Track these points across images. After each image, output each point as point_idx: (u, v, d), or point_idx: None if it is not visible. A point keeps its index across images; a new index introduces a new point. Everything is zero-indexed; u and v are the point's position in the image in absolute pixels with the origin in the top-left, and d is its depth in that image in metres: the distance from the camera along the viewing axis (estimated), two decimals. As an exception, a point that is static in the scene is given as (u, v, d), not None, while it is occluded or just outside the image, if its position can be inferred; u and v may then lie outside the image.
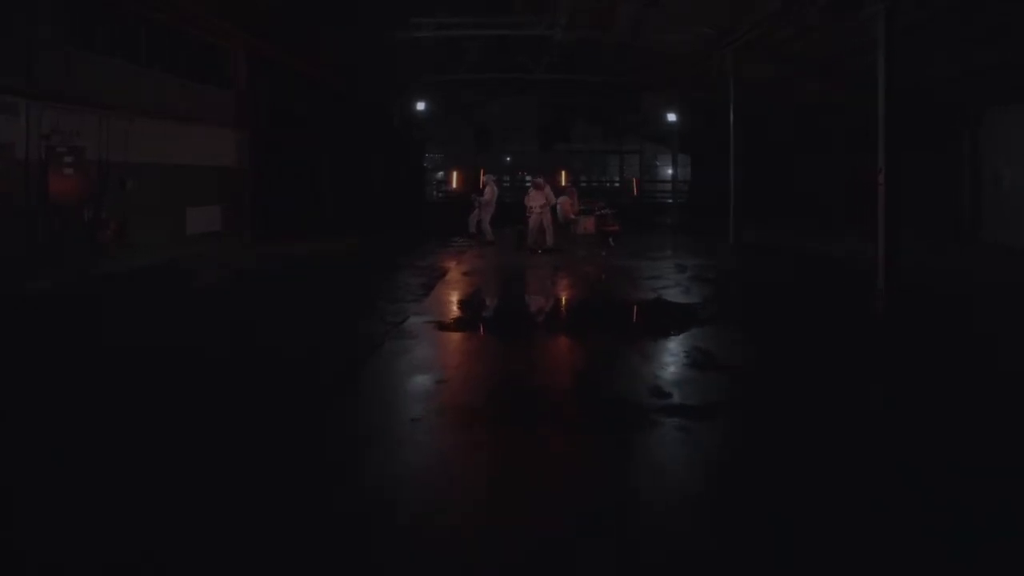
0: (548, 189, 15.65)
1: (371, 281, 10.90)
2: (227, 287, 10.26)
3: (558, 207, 16.71)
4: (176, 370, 5.70)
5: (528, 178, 33.94)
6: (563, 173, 23.83)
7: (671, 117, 22.29)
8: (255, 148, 16.25)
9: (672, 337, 6.84)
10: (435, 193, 33.30)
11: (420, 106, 22.46)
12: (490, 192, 16.64)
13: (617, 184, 35.51)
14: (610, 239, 16.86)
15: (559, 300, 9.47)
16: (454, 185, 24.53)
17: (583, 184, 28.32)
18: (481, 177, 16.72)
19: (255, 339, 6.86)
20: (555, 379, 5.59)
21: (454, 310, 8.29)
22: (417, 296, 9.17)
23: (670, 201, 30.88)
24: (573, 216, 17.20)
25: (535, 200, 15.18)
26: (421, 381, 5.37)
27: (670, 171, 36.42)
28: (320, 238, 16.69)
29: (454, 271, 11.80)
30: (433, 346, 6.53)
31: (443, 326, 7.33)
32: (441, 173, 35.21)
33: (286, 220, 18.04)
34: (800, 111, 21.02)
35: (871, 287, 9.55)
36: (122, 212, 11.76)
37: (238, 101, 15.73)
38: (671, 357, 6.12)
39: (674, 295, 9.39)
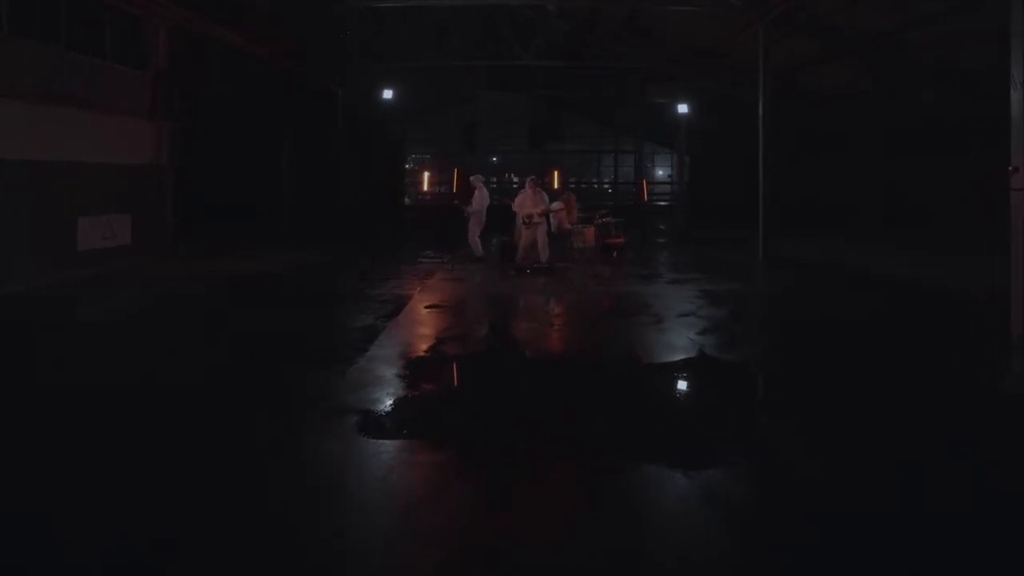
0: (544, 193, 12.72)
1: (298, 322, 7.94)
2: (77, 337, 7.24)
3: (551, 215, 13.84)
4: None
5: (516, 180, 30.99)
6: (556, 174, 20.91)
7: (681, 108, 19.46)
8: (181, 142, 13.24)
9: (752, 456, 3.97)
10: (418, 197, 30.48)
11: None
12: (479, 197, 13.56)
13: (608, 186, 32.79)
14: (614, 253, 14.04)
15: (556, 365, 6.51)
16: (425, 187, 21.58)
17: (571, 186, 25.52)
18: (455, 178, 13.68)
19: (18, 485, 3.92)
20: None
21: (398, 385, 5.37)
22: (353, 351, 6.25)
23: (663, 204, 28.37)
24: (569, 226, 14.35)
25: (532, 206, 12.23)
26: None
27: (660, 172, 33.76)
28: (261, 253, 13.73)
29: (416, 303, 8.89)
30: (341, 489, 3.60)
31: (371, 425, 4.41)
32: (428, 174, 32.30)
33: (224, 231, 15.09)
34: (824, 104, 18.26)
35: (988, 336, 6.72)
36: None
37: (157, 84, 12.71)
38: (778, 528, 3.25)
39: (718, 347, 6.53)
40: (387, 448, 4.07)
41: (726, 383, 5.67)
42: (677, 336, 6.98)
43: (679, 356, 6.22)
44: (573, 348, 6.99)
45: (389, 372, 5.65)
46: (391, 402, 4.88)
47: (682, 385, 5.57)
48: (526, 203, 12.25)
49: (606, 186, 32.97)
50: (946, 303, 8.76)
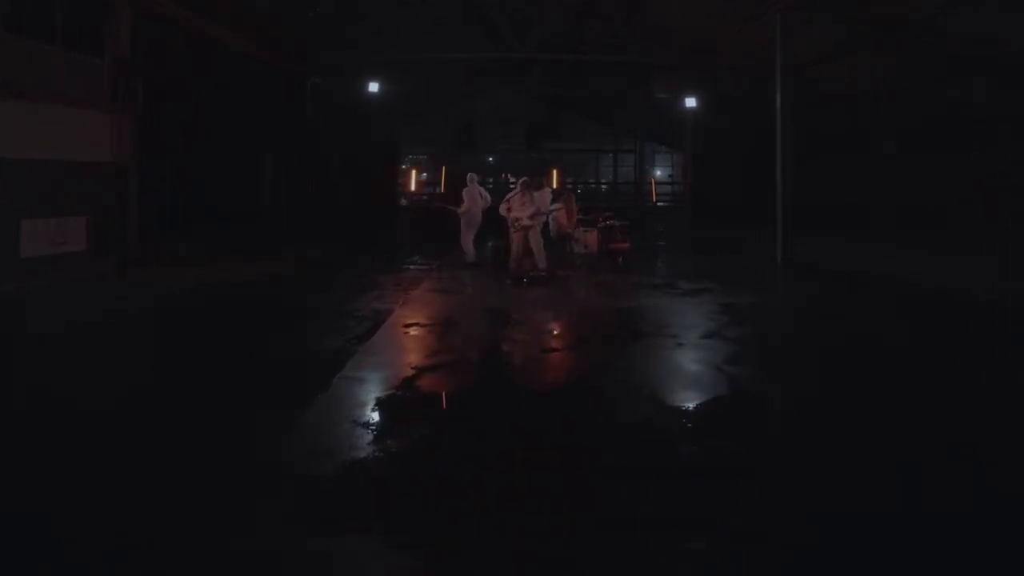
0: (545, 192, 11.54)
1: (253, 347, 6.74)
2: None
3: (551, 218, 12.73)
4: None
5: (513, 180, 29.89)
6: (555, 174, 19.81)
7: (689, 103, 18.38)
8: (145, 138, 12.07)
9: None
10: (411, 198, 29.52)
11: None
12: (468, 199, 12.44)
13: (605, 186, 31.80)
14: (619, 259, 12.92)
15: (558, 411, 5.38)
16: (413, 187, 20.50)
17: (570, 186, 24.49)
18: (444, 178, 12.56)
19: None
20: None
21: (357, 442, 4.22)
22: (310, 388, 5.11)
23: (662, 204, 27.50)
24: (570, 229, 13.23)
25: (522, 208, 11.11)
26: None
27: (659, 172, 32.69)
28: (238, 258, 12.59)
29: (396, 320, 7.74)
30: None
31: (316, 511, 3.29)
32: (425, 174, 31.25)
33: (198, 234, 13.90)
34: (824, 104, 17.20)
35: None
36: None
37: (117, 73, 11.52)
38: None
39: (755, 381, 5.42)
40: (332, 554, 2.92)
41: (773, 434, 4.55)
42: (702, 366, 5.84)
43: (710, 394, 5.09)
44: (578, 385, 5.79)
45: (349, 421, 4.50)
46: (344, 470, 3.73)
47: (720, 441, 4.42)
48: (522, 204, 11.11)
49: (604, 184, 32.01)
50: (982, 307, 7.65)
